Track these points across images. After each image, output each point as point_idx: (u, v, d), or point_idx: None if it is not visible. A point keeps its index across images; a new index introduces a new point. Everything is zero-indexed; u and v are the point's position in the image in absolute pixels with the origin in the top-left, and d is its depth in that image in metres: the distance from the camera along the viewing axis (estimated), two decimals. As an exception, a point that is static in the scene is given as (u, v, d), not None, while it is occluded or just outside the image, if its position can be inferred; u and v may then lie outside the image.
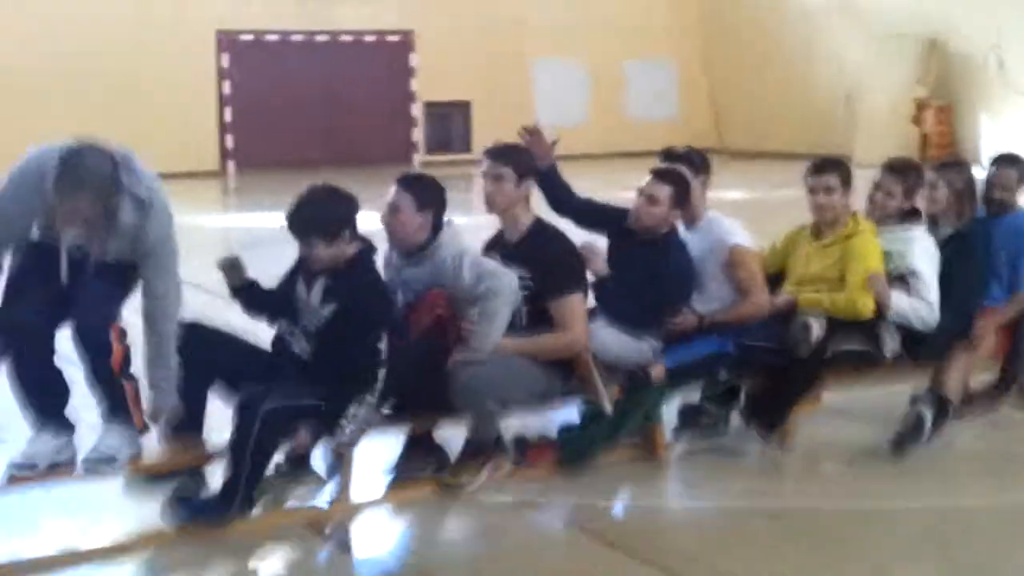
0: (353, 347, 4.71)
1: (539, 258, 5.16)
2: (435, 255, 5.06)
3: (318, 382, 4.71)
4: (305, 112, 22.72)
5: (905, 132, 21.18)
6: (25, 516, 4.94)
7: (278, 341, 4.99)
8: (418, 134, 24.25)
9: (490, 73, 23.97)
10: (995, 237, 6.05)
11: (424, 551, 4.82)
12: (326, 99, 23.03)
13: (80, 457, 4.64)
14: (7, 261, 4.61)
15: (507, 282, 5.00)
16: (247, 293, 5.00)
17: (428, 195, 5.10)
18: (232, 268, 4.96)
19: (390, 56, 23.83)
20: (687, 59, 26.19)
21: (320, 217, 4.76)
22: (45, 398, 4.60)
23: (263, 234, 12.05)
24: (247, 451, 4.59)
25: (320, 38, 23.09)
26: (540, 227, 5.31)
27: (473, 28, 23.41)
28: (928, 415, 5.62)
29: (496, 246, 5.36)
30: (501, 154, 5.34)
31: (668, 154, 5.94)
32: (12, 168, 4.52)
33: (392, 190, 5.14)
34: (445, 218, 5.17)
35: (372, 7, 22.87)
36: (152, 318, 4.63)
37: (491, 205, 5.31)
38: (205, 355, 4.81)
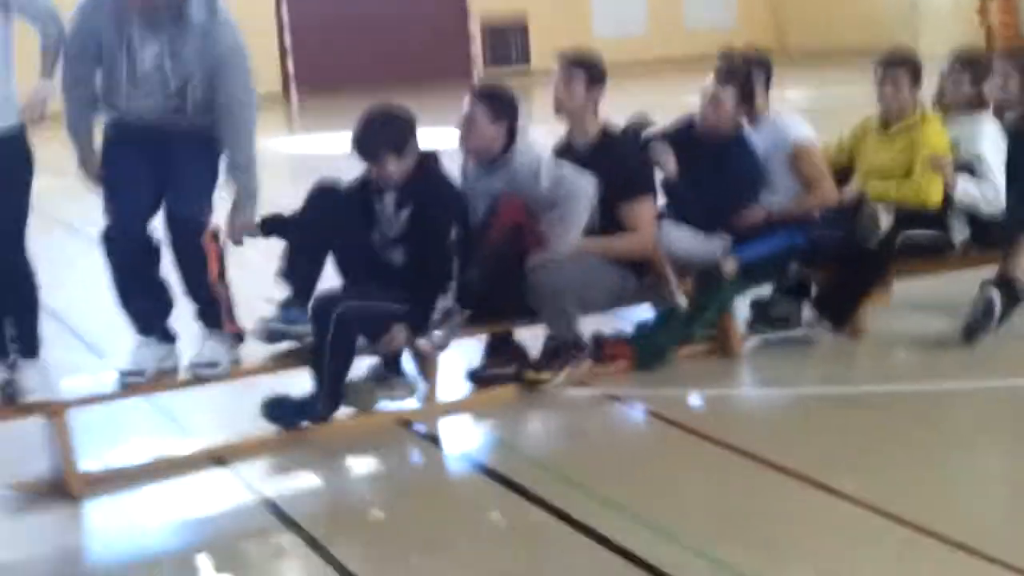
0: (433, 245, 4.94)
1: (609, 163, 5.29)
2: (511, 163, 5.23)
3: (403, 285, 4.93)
4: (364, 33, 22.83)
5: (970, 24, 20.84)
6: (128, 424, 5.24)
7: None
8: (476, 49, 24.26)
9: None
10: None
11: (510, 447, 5.03)
12: (384, 19, 23.09)
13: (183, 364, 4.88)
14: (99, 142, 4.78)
15: (585, 185, 5.16)
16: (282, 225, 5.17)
17: (502, 106, 5.24)
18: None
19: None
20: (745, -40, 25.88)
21: (386, 135, 4.97)
22: (150, 308, 4.83)
23: (323, 157, 12.22)
24: (325, 351, 4.84)
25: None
26: (608, 133, 5.45)
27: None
28: (997, 301, 5.71)
29: (565, 152, 5.50)
30: (574, 58, 5.46)
31: (726, 56, 6.01)
32: None
33: (467, 102, 5.29)
34: (519, 127, 5.31)
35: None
36: (234, 128, 4.75)
37: (560, 107, 5.44)
38: (323, 229, 5.00)
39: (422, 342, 5.05)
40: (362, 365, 5.28)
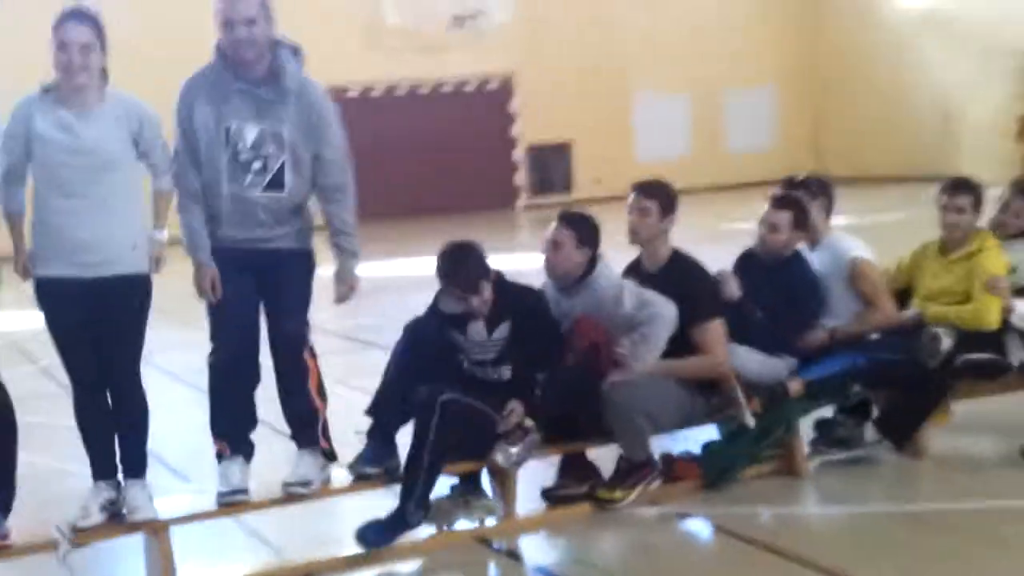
0: (544, 338, 5.31)
1: (680, 287, 5.55)
2: (593, 286, 5.51)
3: (510, 395, 5.25)
4: (411, 163, 23.37)
5: (1010, 149, 21.16)
6: (220, 543, 5.45)
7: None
8: (521, 178, 24.76)
9: (590, 111, 24.41)
10: None
11: (585, 562, 5.19)
12: (430, 149, 23.67)
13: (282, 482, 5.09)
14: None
15: (669, 309, 5.44)
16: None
17: (587, 231, 5.55)
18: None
19: (491, 102, 24.43)
20: (785, 86, 26.40)
21: (477, 265, 5.31)
22: (244, 426, 5.09)
23: (384, 282, 12.56)
24: (426, 446, 5.07)
25: (422, 91, 23.77)
26: (678, 257, 5.73)
27: (572, 68, 23.89)
28: None
29: (634, 274, 5.77)
30: (648, 189, 5.76)
31: (789, 182, 6.32)
32: None
33: (552, 227, 5.60)
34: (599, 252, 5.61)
35: (472, 53, 23.44)
36: (335, 187, 5.04)
37: (635, 236, 5.73)
38: (416, 368, 5.26)
39: (499, 458, 5.27)
40: (443, 486, 5.51)
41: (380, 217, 22.06)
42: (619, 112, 25.01)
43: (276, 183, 4.92)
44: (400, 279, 10.98)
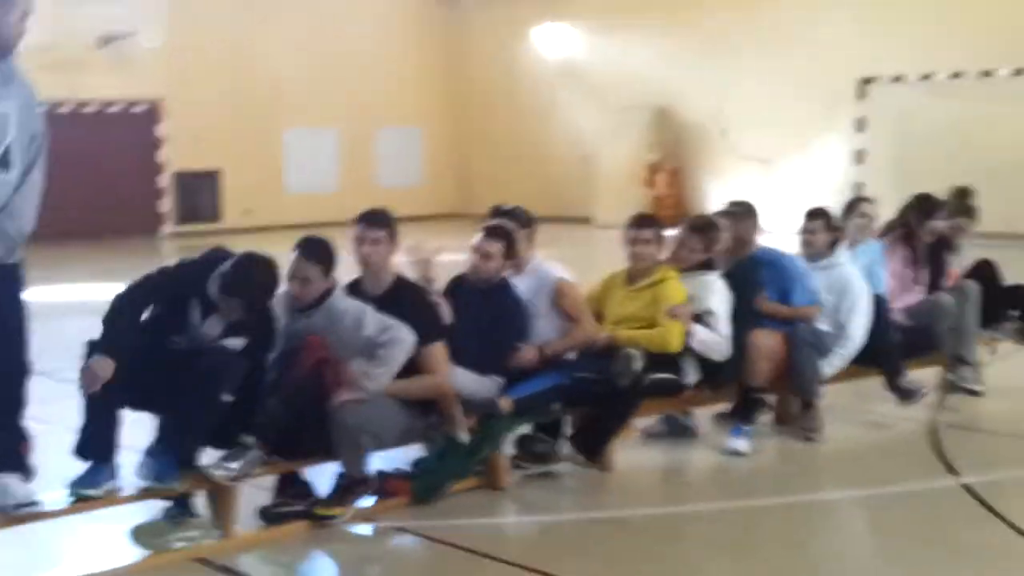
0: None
1: (405, 309, 5.77)
2: (332, 308, 5.63)
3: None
4: (53, 185, 22.19)
5: (639, 194, 22.80)
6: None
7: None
8: (166, 204, 24.14)
9: (240, 141, 24.15)
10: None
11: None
12: (72, 171, 22.61)
13: None
14: None
15: (408, 335, 5.63)
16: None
17: (324, 253, 5.67)
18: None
19: (137, 126, 23.68)
20: (433, 126, 27.21)
21: (267, 288, 5.44)
22: None
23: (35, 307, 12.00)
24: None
25: (62, 110, 22.76)
26: (402, 281, 5.95)
27: (223, 97, 23.57)
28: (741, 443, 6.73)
29: (357, 295, 5.91)
30: (376, 219, 5.95)
31: (496, 211, 6.69)
32: None
33: (295, 257, 5.66)
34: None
35: (119, 75, 22.70)
36: None
37: (368, 264, 5.91)
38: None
39: (218, 474, 5.28)
40: (157, 507, 5.48)
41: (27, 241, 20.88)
42: (269, 144, 24.90)
43: None
44: (48, 306, 10.57)
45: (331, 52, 25.28)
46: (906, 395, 7.44)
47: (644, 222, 6.70)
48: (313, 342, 5.51)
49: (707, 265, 6.84)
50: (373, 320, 5.61)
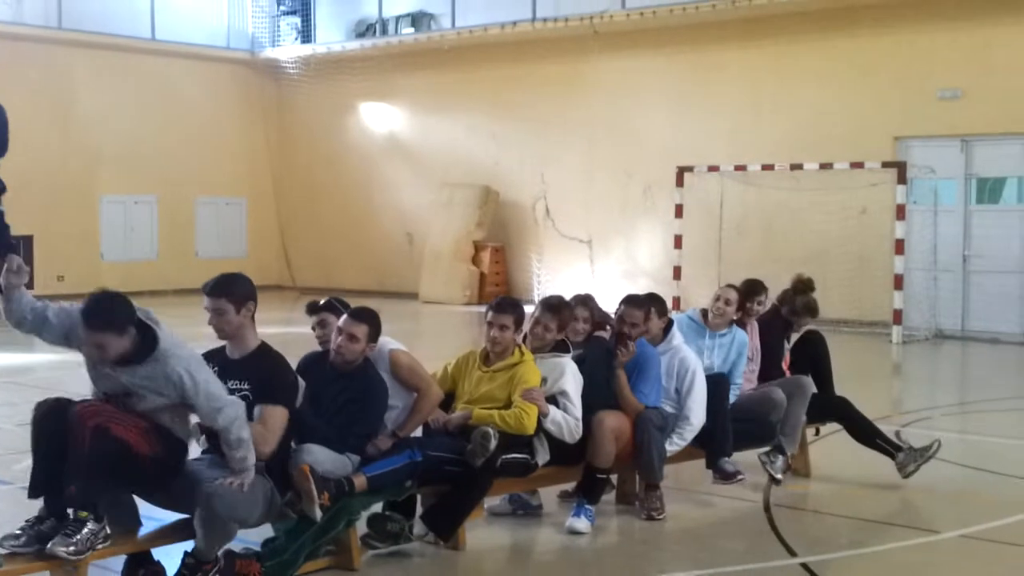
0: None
1: (260, 371, 5.69)
2: (158, 362, 5.32)
3: None
4: None
5: (464, 272, 23.02)
6: None
7: None
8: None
9: (54, 207, 23.49)
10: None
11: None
12: None
13: None
14: None
15: (239, 408, 5.45)
16: None
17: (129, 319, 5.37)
18: None
19: (-57, 188, 22.77)
20: (256, 198, 26.97)
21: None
22: None
23: None
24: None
25: None
26: (266, 348, 5.83)
27: (37, 162, 22.81)
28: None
29: (216, 359, 5.80)
30: (217, 288, 5.80)
31: (316, 306, 6.70)
32: None
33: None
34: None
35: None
36: None
37: (222, 334, 5.79)
38: None
39: (59, 550, 5.06)
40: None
41: None
42: (85, 210, 24.29)
43: None
44: None
45: (154, 119, 24.93)
46: (725, 476, 7.63)
47: (504, 307, 6.77)
48: (83, 410, 5.22)
49: (561, 346, 6.97)
50: (206, 396, 5.34)
